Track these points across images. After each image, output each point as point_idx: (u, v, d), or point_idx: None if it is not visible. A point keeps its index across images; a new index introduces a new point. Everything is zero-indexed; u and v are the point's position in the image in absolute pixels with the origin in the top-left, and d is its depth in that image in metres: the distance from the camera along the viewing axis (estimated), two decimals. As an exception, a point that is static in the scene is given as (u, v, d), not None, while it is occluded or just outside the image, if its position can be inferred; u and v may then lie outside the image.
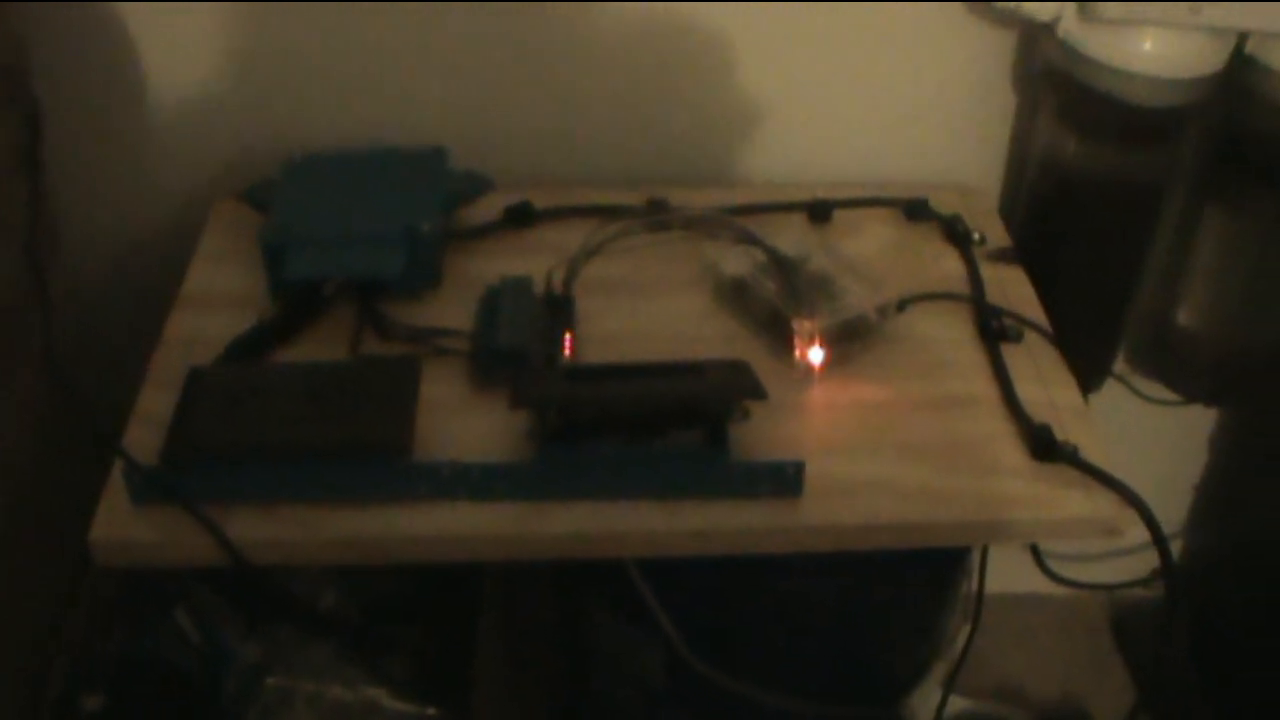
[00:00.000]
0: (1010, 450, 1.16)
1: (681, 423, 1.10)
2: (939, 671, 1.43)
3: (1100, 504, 1.12)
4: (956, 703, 1.60)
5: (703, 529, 1.08)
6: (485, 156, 1.41)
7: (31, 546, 1.30)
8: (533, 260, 1.33)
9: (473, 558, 1.11)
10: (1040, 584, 1.66)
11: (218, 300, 1.30)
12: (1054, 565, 1.65)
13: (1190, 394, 1.61)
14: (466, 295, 1.29)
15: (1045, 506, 1.12)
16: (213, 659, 1.27)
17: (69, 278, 1.42)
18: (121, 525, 1.08)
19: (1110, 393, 1.57)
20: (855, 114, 1.48)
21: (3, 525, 1.24)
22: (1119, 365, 1.59)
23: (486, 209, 1.40)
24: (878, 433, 1.17)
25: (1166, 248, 1.49)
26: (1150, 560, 1.70)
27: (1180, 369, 1.58)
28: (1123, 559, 1.71)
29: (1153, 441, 1.62)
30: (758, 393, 1.09)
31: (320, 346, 1.25)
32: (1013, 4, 1.33)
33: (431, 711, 1.31)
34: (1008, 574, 1.54)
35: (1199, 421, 1.75)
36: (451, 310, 1.28)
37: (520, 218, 1.40)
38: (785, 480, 1.09)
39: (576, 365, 1.21)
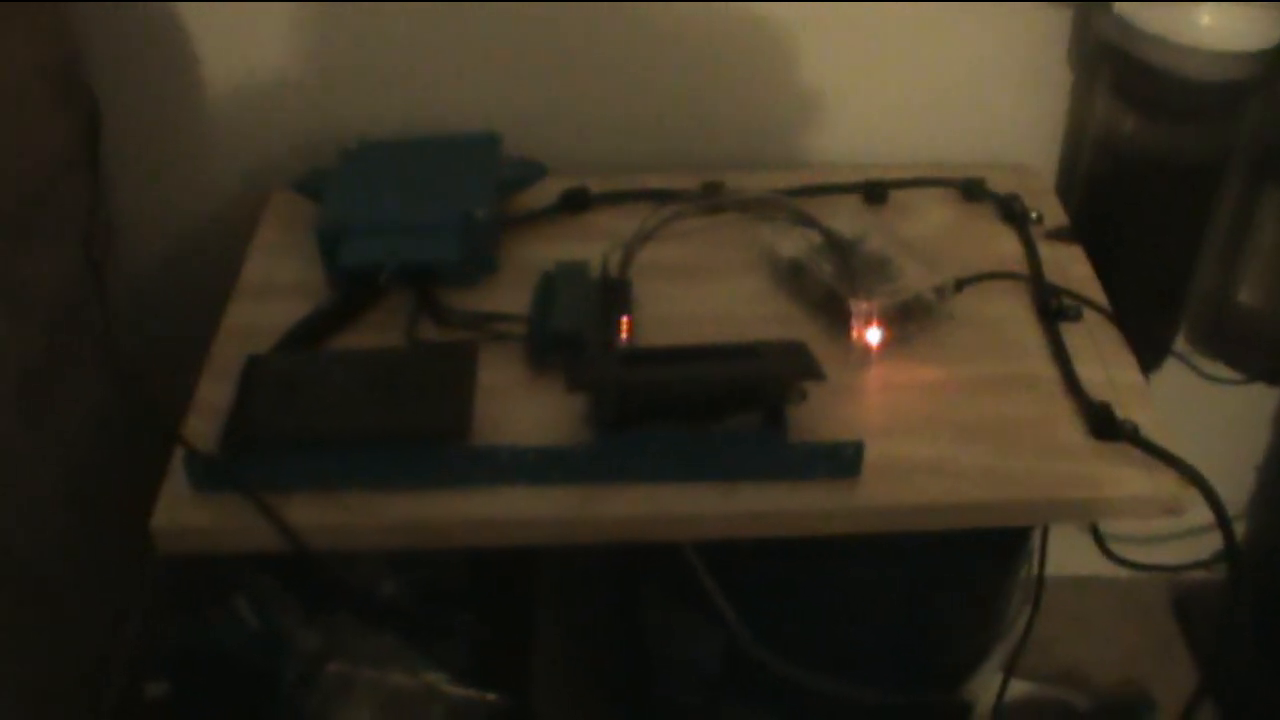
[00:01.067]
0: (1070, 430, 1.15)
1: (739, 405, 1.10)
2: (1000, 655, 1.43)
3: (1161, 482, 1.11)
4: (1018, 686, 1.59)
5: (761, 511, 1.08)
6: (540, 143, 1.42)
7: (95, 537, 1.32)
8: (588, 245, 1.34)
9: (531, 541, 1.12)
10: (1102, 566, 1.66)
11: (275, 290, 1.31)
12: (1115, 547, 1.64)
13: (1252, 372, 1.59)
14: (523, 280, 1.30)
15: (1105, 485, 1.11)
16: (273, 646, 1.27)
17: (127, 271, 1.43)
18: (182, 513, 1.09)
19: (1171, 372, 1.56)
20: (910, 95, 1.48)
21: (67, 516, 1.26)
22: (1179, 344, 1.57)
23: (542, 195, 1.40)
24: (936, 413, 1.17)
25: (1226, 226, 1.48)
26: (1212, 542, 1.69)
27: (1241, 347, 1.56)
28: (1184, 541, 1.70)
29: (1214, 421, 1.60)
30: (815, 373, 1.09)
31: (377, 333, 1.25)
32: (1069, -22, 1.32)
33: (491, 697, 1.31)
34: (1069, 556, 1.54)
35: (1261, 401, 1.73)
36: (508, 295, 1.28)
37: (576, 202, 1.41)
38: (843, 461, 1.09)
39: (634, 349, 1.21)
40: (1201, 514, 1.12)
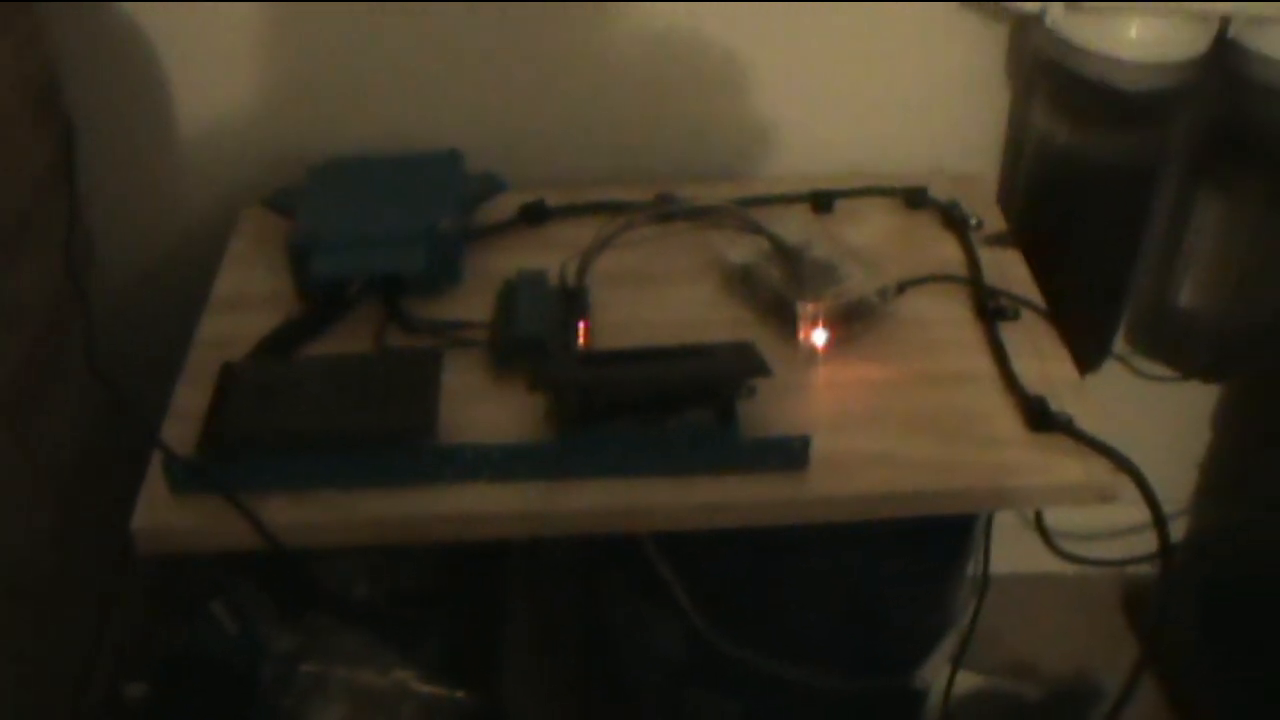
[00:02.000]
0: (1008, 422, 1.20)
1: (692, 402, 1.15)
2: (950, 646, 1.47)
3: (1095, 470, 1.16)
4: (969, 678, 1.64)
5: (714, 503, 1.13)
6: (500, 159, 1.46)
7: (77, 543, 1.34)
8: (547, 255, 1.38)
9: (497, 535, 1.16)
10: (1051, 563, 1.70)
11: (248, 302, 1.36)
12: (1062, 544, 1.68)
13: (1189, 370, 1.64)
14: (485, 290, 1.34)
15: (1042, 474, 1.16)
16: (249, 648, 1.30)
17: (105, 285, 1.46)
18: (161, 514, 1.13)
19: (1111, 373, 1.61)
20: (855, 109, 1.53)
21: (50, 522, 1.28)
22: (1119, 346, 1.62)
23: (502, 209, 1.45)
24: (880, 409, 1.22)
25: (1163, 229, 1.53)
26: (1157, 537, 1.74)
27: (1179, 346, 1.61)
28: (1131, 537, 1.74)
29: (1156, 420, 1.64)
30: (763, 370, 1.14)
31: (346, 342, 1.30)
32: (1000, -1, 1.37)
33: (460, 694, 1.34)
34: (1019, 554, 1.58)
35: (1201, 400, 1.78)
36: (471, 304, 1.33)
37: (534, 215, 1.45)
38: (792, 454, 1.14)
39: (592, 351, 1.26)
40: (1146, 510, 1.17)
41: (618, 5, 1.45)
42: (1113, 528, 1.77)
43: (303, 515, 1.13)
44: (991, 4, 1.39)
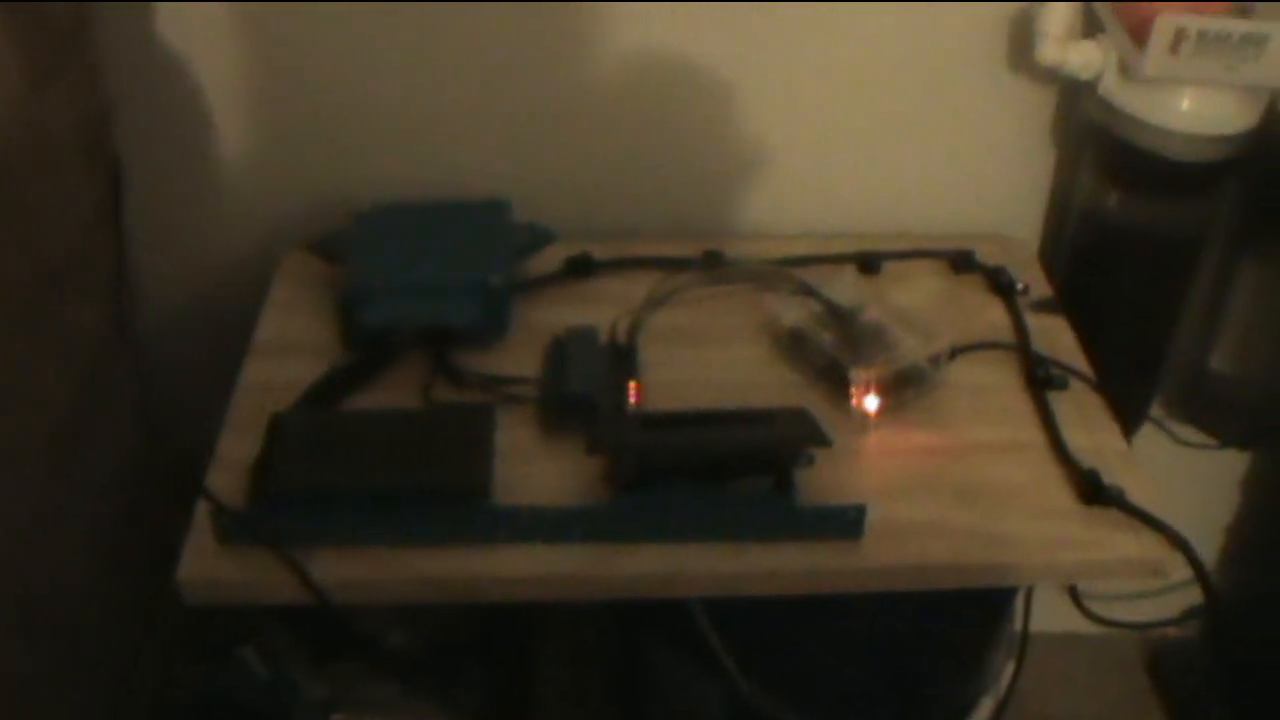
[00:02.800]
0: (1059, 494, 1.20)
1: (750, 469, 1.15)
2: (986, 709, 1.46)
3: (1147, 546, 1.16)
4: (998, 739, 1.63)
5: (770, 570, 1.13)
6: (543, 208, 1.46)
7: (114, 584, 1.34)
8: (593, 309, 1.38)
9: (549, 597, 1.16)
10: (1078, 623, 1.70)
11: (291, 348, 1.35)
12: (1090, 604, 1.68)
13: (1225, 438, 1.64)
14: (531, 343, 1.34)
15: (1093, 548, 1.16)
16: (281, 695, 1.30)
17: (149, 327, 1.46)
18: (209, 565, 1.12)
19: (1146, 437, 1.61)
20: (901, 167, 1.53)
21: (89, 564, 1.28)
22: (1155, 410, 1.62)
23: (547, 260, 1.44)
24: (932, 477, 1.22)
25: (1203, 296, 1.53)
26: (1183, 599, 1.75)
27: (1215, 413, 1.61)
28: (1155, 599, 1.74)
29: (1186, 484, 1.64)
30: (823, 440, 1.14)
31: (392, 393, 1.29)
32: (1056, 58, 1.37)
33: (492, 745, 1.35)
34: (1046, 613, 1.57)
35: (1231, 465, 1.78)
36: (518, 358, 1.33)
37: (581, 268, 1.45)
38: (847, 523, 1.14)
39: (651, 413, 1.25)
40: (1174, 573, 1.17)
41: (664, 58, 1.45)
42: (1140, 590, 1.77)
43: (352, 571, 1.12)
44: (1044, 63, 1.38)
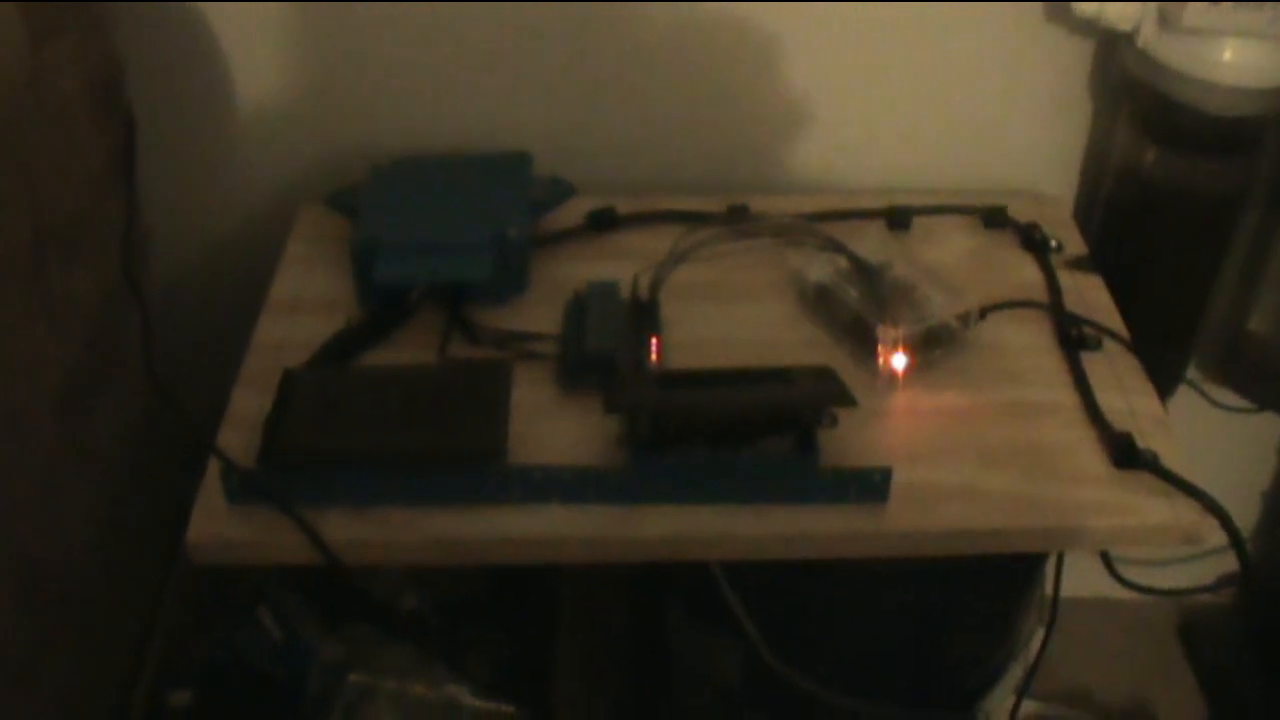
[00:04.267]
0: (1091, 458, 1.17)
1: (771, 429, 1.11)
2: (1014, 676, 1.44)
3: (1181, 512, 1.13)
4: (1027, 706, 1.60)
5: (791, 534, 1.10)
6: (567, 162, 1.44)
7: (125, 548, 1.32)
8: (616, 265, 1.35)
9: (564, 560, 1.13)
10: (1109, 588, 1.67)
11: (305, 304, 1.33)
12: (1122, 570, 1.65)
13: (1263, 401, 1.61)
14: (551, 299, 1.31)
15: (1126, 514, 1.13)
16: (295, 658, 1.29)
17: (161, 285, 1.44)
18: (218, 525, 1.10)
19: (1182, 399, 1.58)
20: (935, 122, 1.50)
21: (99, 528, 1.26)
22: (1191, 372, 1.59)
23: (569, 215, 1.42)
24: (960, 439, 1.18)
25: (1241, 255, 1.50)
26: (1217, 566, 1.72)
27: (1253, 375, 1.58)
28: (1189, 565, 1.72)
29: (1222, 448, 1.62)
30: (847, 400, 1.11)
31: (408, 350, 1.27)
32: (1094, 10, 1.33)
33: (510, 709, 1.33)
34: (1076, 578, 1.54)
35: (1267, 429, 1.75)
36: (537, 314, 1.30)
37: (603, 223, 1.42)
38: (872, 486, 1.11)
39: (669, 371, 1.22)
40: (1208, 539, 1.14)
41: (692, 7, 1.41)
42: (1173, 555, 1.74)
43: (363, 532, 1.10)
44: (1081, 10, 1.34)
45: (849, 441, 1.14)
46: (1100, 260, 1.41)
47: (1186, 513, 1.13)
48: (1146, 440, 1.17)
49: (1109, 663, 1.83)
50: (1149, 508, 1.13)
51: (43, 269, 1.14)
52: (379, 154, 1.43)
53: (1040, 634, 1.43)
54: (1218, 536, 1.14)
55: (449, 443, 1.12)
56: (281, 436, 1.13)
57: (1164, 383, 1.46)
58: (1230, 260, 1.47)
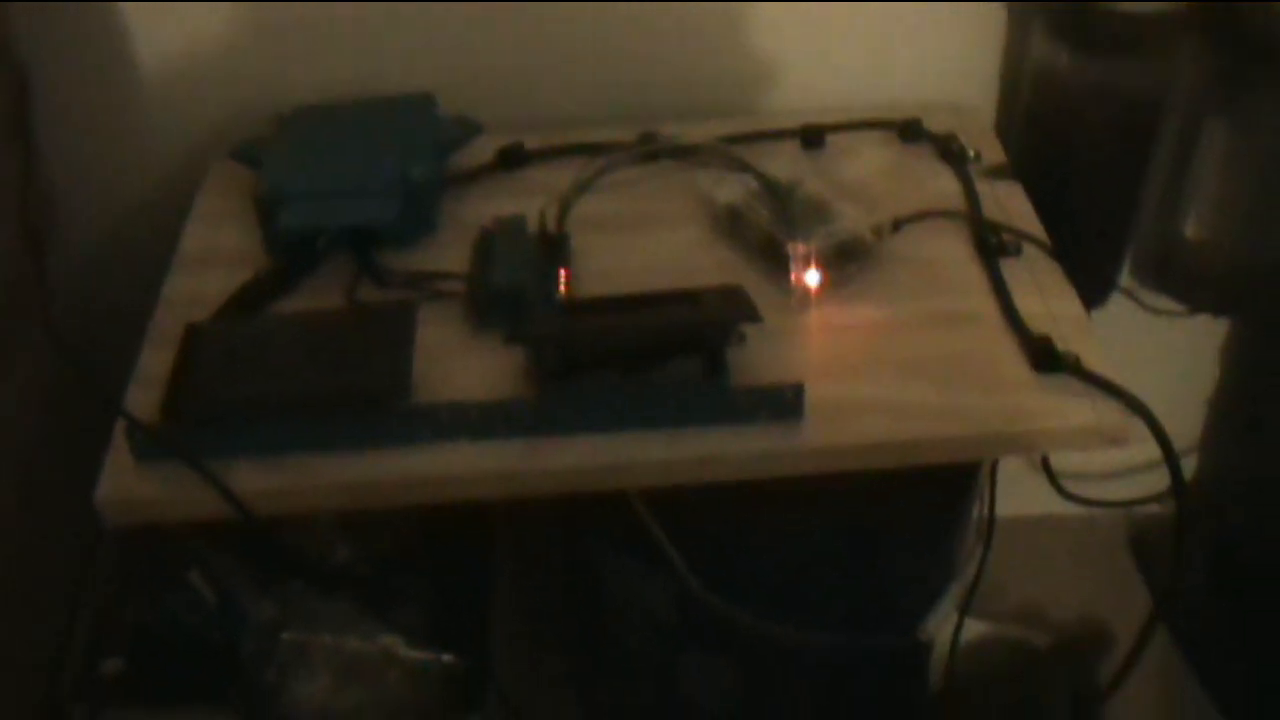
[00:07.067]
0: (1011, 364, 1.15)
1: (679, 351, 1.10)
2: (955, 596, 1.43)
3: (1104, 413, 1.11)
4: (975, 627, 1.59)
5: (704, 456, 1.08)
6: (475, 100, 1.41)
7: (46, 518, 1.31)
8: (527, 201, 1.33)
9: (476, 496, 1.11)
10: (1056, 505, 1.66)
11: (216, 259, 1.30)
12: (1068, 485, 1.64)
13: (1197, 304, 1.59)
14: (462, 239, 1.29)
15: (1049, 417, 1.11)
16: (228, 619, 1.28)
17: (65, 244, 1.42)
18: (126, 484, 1.09)
19: (1117, 308, 1.56)
20: (845, 38, 1.47)
21: (15, 498, 1.24)
22: (1124, 280, 1.57)
23: (479, 153, 1.40)
24: (877, 353, 1.17)
25: (1169, 160, 1.47)
26: (1165, 477, 1.70)
27: (1187, 280, 1.57)
28: (1137, 476, 1.70)
29: (1163, 356, 1.59)
30: (753, 316, 1.09)
31: (317, 299, 1.25)
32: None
33: (447, 658, 1.32)
34: (1023, 496, 1.54)
35: (1209, 335, 1.73)
36: (448, 255, 1.28)
37: (513, 159, 1.40)
38: (785, 404, 1.09)
39: (572, 300, 1.21)
40: (1153, 449, 1.13)
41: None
42: (1119, 467, 1.72)
43: (272, 481, 1.08)
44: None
45: (764, 361, 1.13)
46: (1024, 170, 1.40)
47: (1109, 413, 1.11)
48: (1068, 344, 1.15)
49: (1059, 579, 1.82)
50: (1071, 410, 1.11)
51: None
52: (289, 103, 1.41)
53: (980, 553, 1.42)
54: (1151, 444, 1.12)
55: (351, 384, 1.11)
56: (185, 390, 1.12)
57: (1097, 290, 1.46)
58: (1160, 165, 1.45)
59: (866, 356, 1.16)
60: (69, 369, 1.22)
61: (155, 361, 1.18)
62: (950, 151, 1.39)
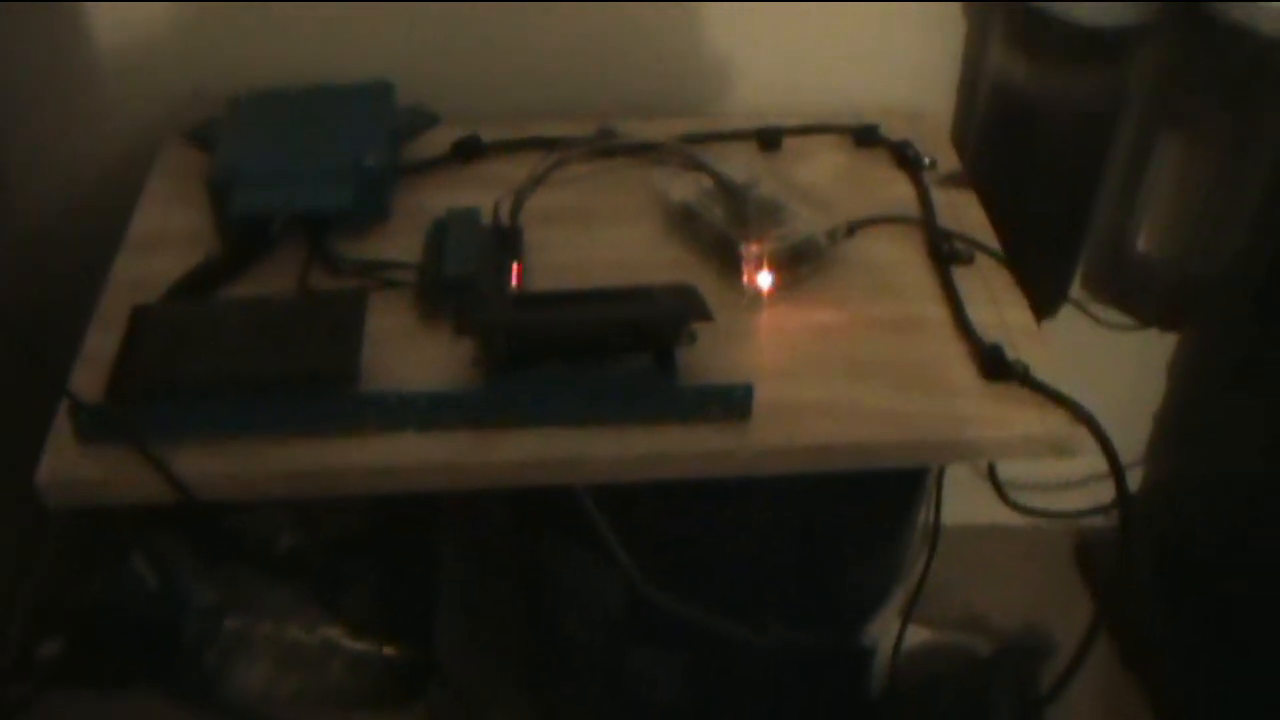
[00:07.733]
0: (961, 370, 1.16)
1: (629, 347, 1.10)
2: (900, 600, 1.43)
3: (1051, 422, 1.12)
4: (919, 633, 1.60)
5: (652, 453, 1.08)
6: (433, 90, 1.41)
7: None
8: (482, 193, 1.33)
9: (421, 487, 1.10)
10: (1003, 515, 1.67)
11: (166, 241, 1.29)
12: (1015, 495, 1.65)
13: (1146, 318, 1.60)
14: (416, 229, 1.29)
15: (997, 425, 1.12)
16: (171, 603, 1.27)
17: (14, 224, 1.40)
18: (69, 465, 1.07)
19: (1067, 319, 1.57)
20: (805, 42, 1.47)
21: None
22: (1075, 291, 1.58)
23: (436, 143, 1.39)
24: (828, 355, 1.17)
25: (1121, 172, 1.48)
26: (1110, 489, 1.71)
27: (1136, 293, 1.58)
28: (1084, 488, 1.71)
29: (1111, 369, 1.60)
30: (704, 314, 1.09)
31: (268, 283, 1.24)
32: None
33: (389, 650, 1.32)
34: (970, 505, 1.55)
35: (1158, 348, 1.75)
36: (400, 243, 1.27)
37: (469, 151, 1.40)
38: (733, 403, 1.09)
39: (523, 292, 1.20)
40: (1099, 462, 1.13)
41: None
42: (1066, 478, 1.74)
43: (216, 465, 1.07)
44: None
45: (714, 360, 1.13)
46: (979, 178, 1.40)
47: (1057, 423, 1.12)
48: (1018, 352, 1.16)
49: (1004, 588, 1.83)
50: (1019, 418, 1.12)
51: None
52: (243, 87, 1.40)
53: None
54: (1098, 455, 1.13)
55: (299, 366, 1.10)
56: (129, 370, 1.11)
57: (1048, 301, 1.47)
58: (1111, 177, 1.46)
59: (817, 359, 1.16)
60: (14, 348, 1.20)
61: (102, 343, 1.16)
62: (906, 158, 1.40)
